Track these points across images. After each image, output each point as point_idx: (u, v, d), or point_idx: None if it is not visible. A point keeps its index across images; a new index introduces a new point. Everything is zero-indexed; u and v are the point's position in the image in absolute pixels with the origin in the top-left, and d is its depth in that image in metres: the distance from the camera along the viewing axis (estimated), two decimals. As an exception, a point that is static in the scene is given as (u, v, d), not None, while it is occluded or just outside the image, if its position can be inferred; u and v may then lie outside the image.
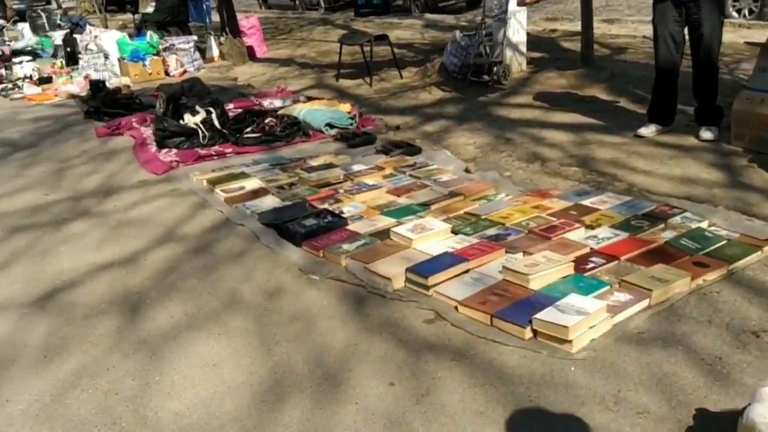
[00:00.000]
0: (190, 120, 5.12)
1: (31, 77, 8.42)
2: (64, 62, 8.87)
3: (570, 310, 2.25)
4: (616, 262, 2.72)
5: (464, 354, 2.25)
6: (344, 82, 7.34)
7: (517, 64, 6.64)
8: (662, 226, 3.03)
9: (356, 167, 4.23)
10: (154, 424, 2.06)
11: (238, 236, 3.44)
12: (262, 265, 3.09)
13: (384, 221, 3.31)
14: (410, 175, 4.01)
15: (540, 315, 2.24)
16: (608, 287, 2.50)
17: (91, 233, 3.66)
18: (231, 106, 6.09)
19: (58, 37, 9.44)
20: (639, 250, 2.78)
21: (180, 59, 8.53)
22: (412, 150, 4.50)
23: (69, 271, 3.20)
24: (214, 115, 5.16)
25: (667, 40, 4.27)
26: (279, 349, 2.39)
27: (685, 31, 4.29)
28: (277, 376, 2.23)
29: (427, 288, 2.60)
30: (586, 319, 2.20)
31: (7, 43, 9.54)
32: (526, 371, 2.12)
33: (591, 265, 2.69)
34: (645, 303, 2.39)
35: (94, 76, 7.90)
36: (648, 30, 8.82)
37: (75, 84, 7.83)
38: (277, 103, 6.18)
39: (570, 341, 2.15)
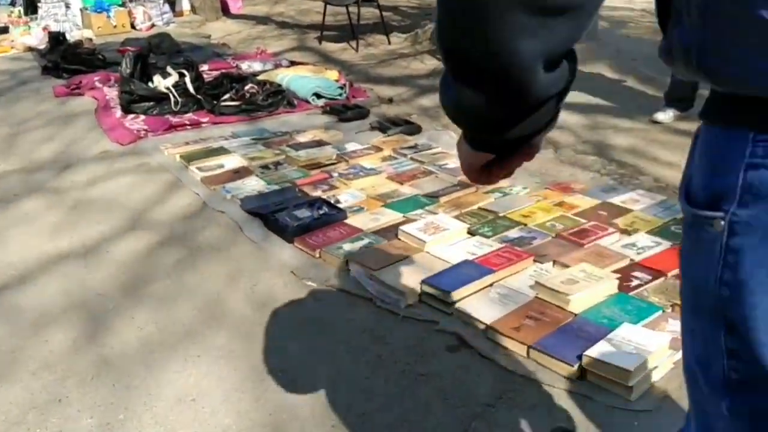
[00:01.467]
0: (160, 83, 4.58)
1: (-15, 26, 7.69)
2: (22, 11, 8.14)
3: (627, 345, 1.88)
4: (663, 278, 2.34)
5: (500, 396, 1.86)
6: (328, 46, 6.80)
7: (515, 34, 6.19)
8: (706, 233, 2.67)
9: (350, 146, 3.77)
10: (118, 484, 1.65)
11: (218, 226, 2.99)
12: (247, 264, 2.65)
13: (388, 215, 2.89)
14: (412, 159, 3.58)
15: (592, 352, 1.86)
16: (661, 312, 2.13)
17: (45, 214, 3.17)
18: (206, 68, 5.52)
19: (16, -19, 8.66)
20: (688, 265, 2.41)
21: (148, 12, 7.86)
22: (412, 129, 4.06)
23: (18, 263, 2.73)
24: (187, 79, 4.62)
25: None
26: (274, 382, 1.97)
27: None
28: (274, 419, 1.82)
29: (449, 305, 2.21)
30: (649, 359, 1.83)
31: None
32: (579, 425, 1.75)
33: (635, 282, 2.30)
34: (708, 335, 2.03)
35: (54, 27, 7.21)
36: (646, 3, 8.52)
37: (33, 36, 7.13)
38: (257, 66, 5.63)
39: (630, 387, 1.78)
